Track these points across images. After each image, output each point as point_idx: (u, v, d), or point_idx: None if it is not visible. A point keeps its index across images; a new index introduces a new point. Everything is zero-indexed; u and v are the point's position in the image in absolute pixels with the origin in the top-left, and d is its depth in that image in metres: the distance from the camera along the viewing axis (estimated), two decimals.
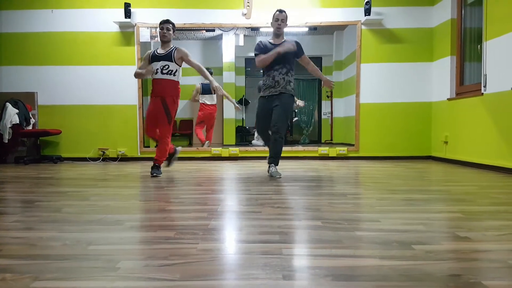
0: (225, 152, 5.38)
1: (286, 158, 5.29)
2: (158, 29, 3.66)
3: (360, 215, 1.90)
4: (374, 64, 5.25)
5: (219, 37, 7.95)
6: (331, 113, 8.34)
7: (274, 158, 3.50)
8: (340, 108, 7.97)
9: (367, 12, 5.01)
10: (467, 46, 4.62)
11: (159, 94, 3.57)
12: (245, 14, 5.18)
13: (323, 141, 8.45)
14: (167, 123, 3.58)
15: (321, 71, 3.95)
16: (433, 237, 1.52)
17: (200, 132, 6.32)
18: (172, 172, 3.87)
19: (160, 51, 3.61)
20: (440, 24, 4.97)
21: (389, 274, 1.14)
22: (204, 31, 7.44)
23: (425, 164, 4.64)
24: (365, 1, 5.01)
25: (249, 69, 9.31)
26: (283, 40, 3.57)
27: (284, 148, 5.42)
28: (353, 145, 5.45)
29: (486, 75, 3.96)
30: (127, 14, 5.05)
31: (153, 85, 3.62)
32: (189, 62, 3.63)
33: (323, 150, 5.34)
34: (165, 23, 3.59)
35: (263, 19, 5.24)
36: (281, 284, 1.08)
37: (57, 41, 5.26)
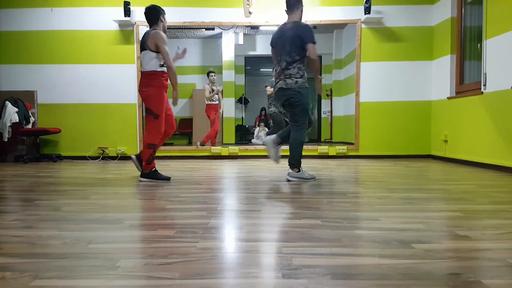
0: (224, 151, 5.38)
1: (285, 157, 5.28)
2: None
3: (360, 214, 1.90)
4: (374, 63, 5.25)
5: (219, 35, 7.95)
6: (331, 112, 8.35)
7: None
8: (339, 107, 7.97)
9: (367, 10, 5.00)
10: (467, 44, 4.61)
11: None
12: (251, 12, 5.16)
13: (322, 140, 8.46)
14: None
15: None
16: (433, 236, 1.53)
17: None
18: (171, 171, 3.87)
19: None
20: (440, 23, 4.97)
21: (389, 272, 1.14)
22: (204, 29, 7.43)
23: (424, 163, 4.64)
24: None
25: (249, 67, 9.31)
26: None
27: (283, 148, 5.42)
28: (352, 143, 5.45)
29: (486, 73, 3.96)
30: (127, 12, 5.05)
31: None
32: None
33: (322, 149, 5.35)
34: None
35: (263, 18, 5.23)
36: (280, 282, 1.08)
37: (57, 40, 5.26)
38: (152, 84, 3.15)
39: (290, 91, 3.03)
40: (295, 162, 3.09)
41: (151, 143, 3.17)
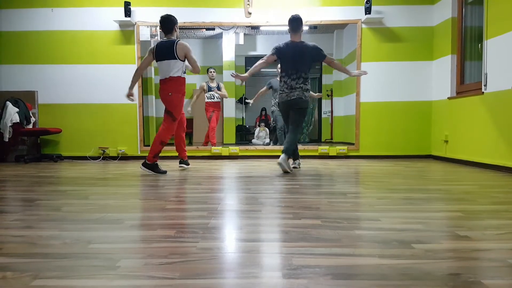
0: (225, 151, 5.38)
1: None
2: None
3: (360, 214, 1.90)
4: (374, 63, 5.25)
5: (219, 35, 7.95)
6: (331, 112, 8.34)
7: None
8: (340, 107, 7.97)
9: (368, 10, 5.00)
10: (468, 44, 4.61)
11: None
12: (250, 13, 5.16)
13: (323, 140, 8.46)
14: None
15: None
16: (433, 236, 1.52)
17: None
18: (172, 171, 3.87)
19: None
20: (441, 23, 4.97)
21: (389, 273, 1.14)
22: (204, 29, 7.43)
23: (425, 163, 4.64)
24: None
25: (249, 67, 9.30)
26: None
27: (276, 147, 5.44)
28: (353, 144, 5.45)
29: (486, 74, 3.96)
30: (127, 12, 5.05)
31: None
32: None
33: (323, 149, 5.34)
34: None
35: (263, 18, 5.24)
36: (280, 282, 1.08)
37: (57, 40, 5.26)
38: (179, 91, 3.58)
39: (306, 103, 3.69)
40: (289, 152, 3.62)
41: (163, 141, 3.58)
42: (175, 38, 3.61)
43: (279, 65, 3.83)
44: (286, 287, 1.05)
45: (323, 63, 3.77)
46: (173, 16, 3.61)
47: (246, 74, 3.80)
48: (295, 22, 3.64)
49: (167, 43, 3.53)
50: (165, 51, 3.51)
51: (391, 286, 1.05)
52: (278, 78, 5.87)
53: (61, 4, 5.24)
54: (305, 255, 1.30)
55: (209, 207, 2.10)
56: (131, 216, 1.89)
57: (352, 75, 3.82)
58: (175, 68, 3.51)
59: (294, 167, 3.98)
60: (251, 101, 6.08)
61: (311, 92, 3.97)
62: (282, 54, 3.67)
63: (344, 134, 7.42)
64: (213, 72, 6.22)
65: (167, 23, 3.56)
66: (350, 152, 5.37)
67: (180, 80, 3.57)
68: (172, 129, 3.63)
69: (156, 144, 3.56)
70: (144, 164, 3.63)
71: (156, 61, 3.59)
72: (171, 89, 3.54)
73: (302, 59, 3.63)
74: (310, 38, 8.19)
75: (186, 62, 3.65)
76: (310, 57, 3.66)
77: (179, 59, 3.51)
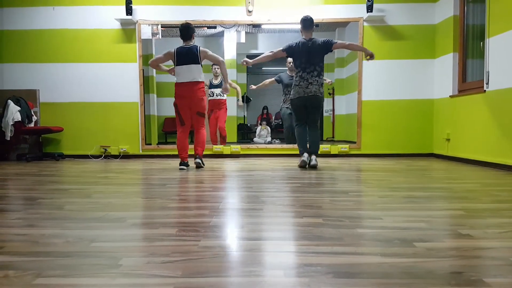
0: (226, 150, 5.38)
1: (288, 155, 5.29)
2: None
3: (362, 213, 1.90)
4: (376, 61, 5.22)
5: (221, 34, 7.93)
6: (333, 110, 8.33)
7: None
8: (342, 105, 7.95)
9: (369, 8, 4.99)
10: (470, 43, 4.59)
11: None
12: (251, 11, 5.15)
13: (324, 138, 8.45)
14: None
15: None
16: (435, 234, 1.52)
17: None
18: (174, 170, 3.87)
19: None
20: (443, 21, 4.95)
21: (391, 271, 1.14)
22: (206, 28, 7.41)
23: (427, 161, 4.63)
24: None
25: (251, 66, 9.29)
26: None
27: (285, 146, 5.46)
28: (354, 142, 5.44)
29: (488, 72, 3.95)
30: (129, 11, 5.05)
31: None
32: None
33: (324, 147, 5.34)
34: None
35: (265, 16, 5.22)
36: (282, 281, 1.08)
37: (59, 39, 5.26)
38: (204, 94, 3.90)
39: (322, 99, 3.92)
40: (317, 150, 3.97)
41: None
42: (193, 44, 3.86)
43: (289, 59, 3.97)
44: (288, 285, 1.05)
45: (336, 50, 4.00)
46: (192, 25, 3.90)
47: (251, 61, 4.06)
48: (307, 22, 3.93)
49: (190, 48, 3.78)
50: (189, 56, 3.76)
51: (393, 285, 1.05)
52: (288, 73, 5.77)
53: (62, 3, 5.24)
54: (307, 254, 1.30)
55: (210, 205, 2.10)
56: (133, 215, 1.89)
57: (368, 53, 3.86)
58: (200, 72, 3.81)
59: (299, 165, 3.99)
60: (254, 87, 5.95)
61: (324, 78, 4.09)
62: (295, 51, 3.86)
63: (346, 133, 7.41)
64: (217, 69, 6.01)
65: (188, 30, 3.81)
66: (351, 151, 5.36)
67: (203, 84, 3.88)
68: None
69: (203, 140, 4.02)
70: (199, 159, 3.93)
71: (177, 65, 3.80)
72: (202, 93, 3.83)
73: (313, 52, 3.84)
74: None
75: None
76: (321, 49, 3.86)
77: (200, 64, 3.81)
